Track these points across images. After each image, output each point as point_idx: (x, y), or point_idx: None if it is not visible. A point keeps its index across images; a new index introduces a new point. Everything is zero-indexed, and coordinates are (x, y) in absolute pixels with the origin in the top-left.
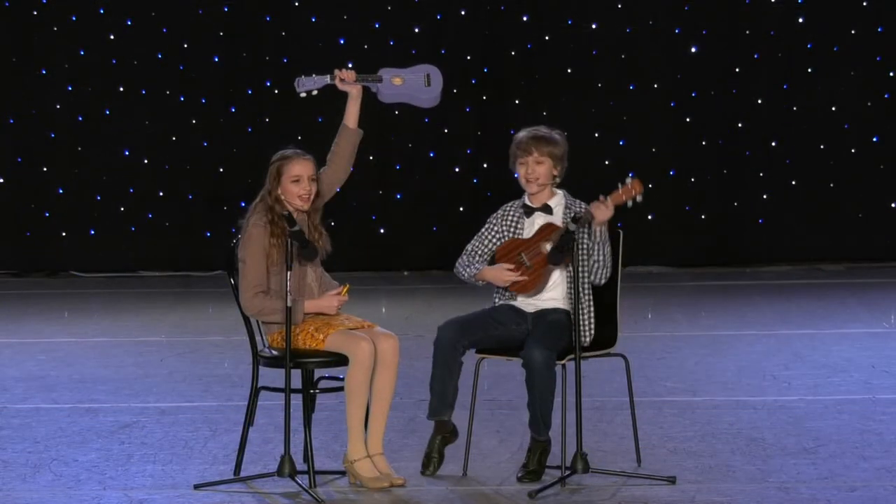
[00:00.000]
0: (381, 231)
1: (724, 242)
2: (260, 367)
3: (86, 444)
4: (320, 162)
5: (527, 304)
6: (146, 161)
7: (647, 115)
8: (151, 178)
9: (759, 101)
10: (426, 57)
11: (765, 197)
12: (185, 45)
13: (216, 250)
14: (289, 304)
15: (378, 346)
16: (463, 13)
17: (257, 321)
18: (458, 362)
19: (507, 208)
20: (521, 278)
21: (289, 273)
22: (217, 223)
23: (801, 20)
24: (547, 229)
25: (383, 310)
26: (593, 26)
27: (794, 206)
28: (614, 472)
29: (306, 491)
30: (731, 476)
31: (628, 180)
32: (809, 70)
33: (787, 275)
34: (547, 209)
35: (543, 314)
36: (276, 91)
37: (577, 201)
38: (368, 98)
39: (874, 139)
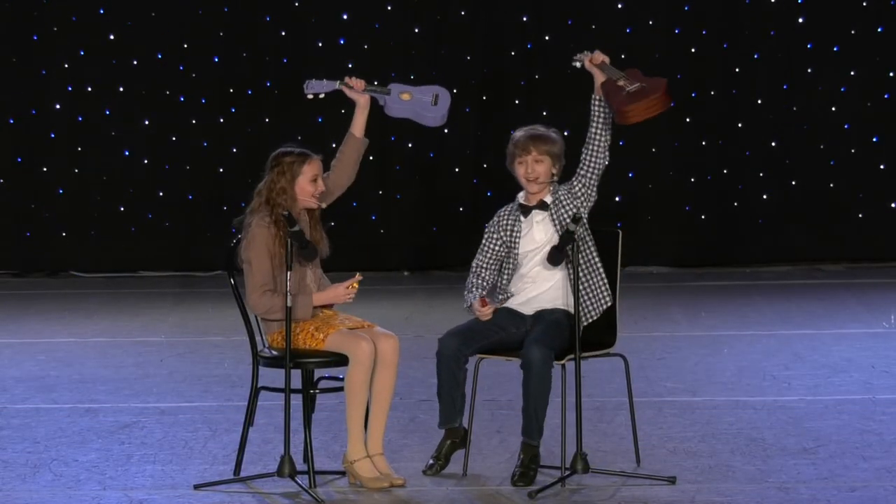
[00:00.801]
0: (381, 231)
1: (724, 243)
2: (260, 367)
3: (86, 445)
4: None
5: (525, 306)
6: (146, 161)
7: None
8: (151, 179)
9: (759, 102)
10: (426, 57)
11: (765, 197)
12: (185, 46)
13: (216, 250)
14: (289, 303)
15: (378, 346)
16: (463, 13)
17: (257, 321)
18: (463, 371)
19: (502, 213)
20: (488, 313)
21: (289, 273)
22: (217, 223)
23: (801, 20)
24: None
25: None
26: (593, 26)
27: (794, 207)
28: (614, 473)
29: (306, 491)
30: (730, 476)
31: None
32: (809, 70)
33: (787, 275)
34: (543, 206)
35: (541, 315)
36: (276, 91)
37: (560, 186)
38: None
39: (874, 139)
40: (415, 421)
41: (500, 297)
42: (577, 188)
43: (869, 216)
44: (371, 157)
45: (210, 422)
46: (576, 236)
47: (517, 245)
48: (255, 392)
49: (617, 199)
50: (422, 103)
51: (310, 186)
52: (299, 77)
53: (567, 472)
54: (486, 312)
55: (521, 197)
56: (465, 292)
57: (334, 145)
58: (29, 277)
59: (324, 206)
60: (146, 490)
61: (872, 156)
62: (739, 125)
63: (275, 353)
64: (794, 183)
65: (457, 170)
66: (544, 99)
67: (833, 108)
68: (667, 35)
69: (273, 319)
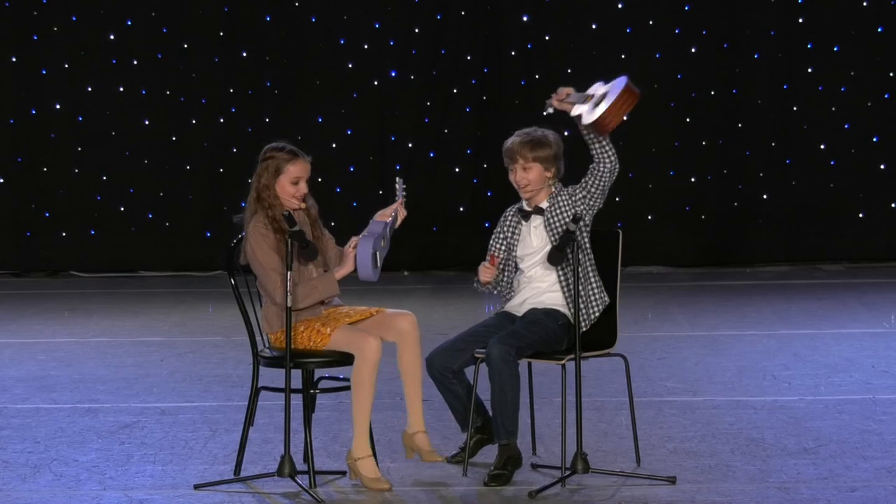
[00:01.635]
0: None
1: (724, 242)
2: (260, 367)
3: (86, 445)
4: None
5: (520, 307)
6: (146, 161)
7: (647, 115)
8: (151, 179)
9: (759, 102)
10: (426, 57)
11: (765, 197)
12: (185, 46)
13: (216, 250)
14: (288, 304)
15: (396, 327)
16: (463, 13)
17: (258, 321)
18: (460, 383)
19: (507, 213)
20: (490, 272)
21: (289, 273)
22: (217, 223)
23: (801, 20)
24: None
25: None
26: (593, 26)
27: (794, 206)
28: (614, 473)
29: (306, 491)
30: (731, 476)
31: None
32: (809, 70)
33: (787, 275)
34: (540, 211)
35: (527, 314)
36: (277, 91)
37: (565, 189)
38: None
39: (874, 139)
40: None
41: (502, 298)
42: (578, 195)
43: (869, 216)
44: (371, 157)
45: (210, 422)
46: (576, 236)
47: (515, 248)
48: (255, 392)
49: (617, 199)
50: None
51: (290, 187)
52: (299, 77)
53: (567, 472)
54: (488, 267)
55: (523, 201)
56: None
57: (334, 145)
58: (29, 277)
59: (303, 206)
60: (146, 490)
61: (872, 156)
62: (739, 125)
63: (275, 353)
64: (794, 183)
65: (457, 169)
66: (544, 99)
67: (833, 108)
68: (667, 35)
69: (303, 308)
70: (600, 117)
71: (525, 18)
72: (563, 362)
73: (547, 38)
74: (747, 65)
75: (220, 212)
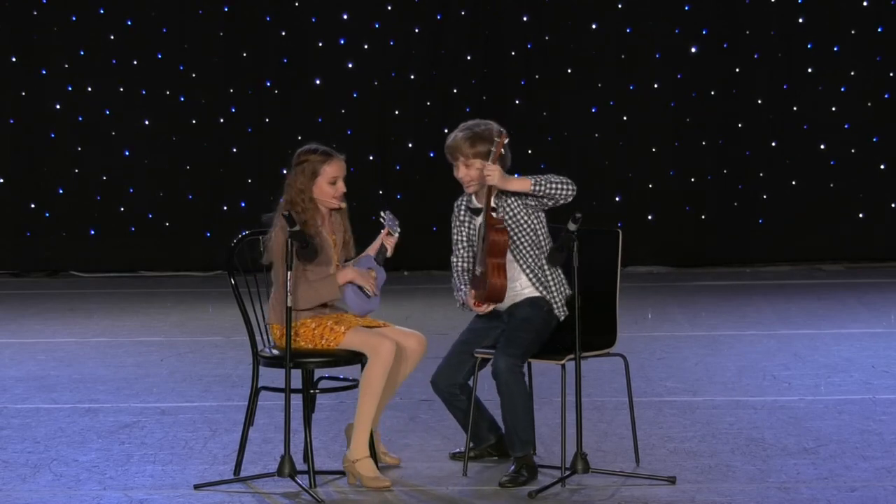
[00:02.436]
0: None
1: (724, 242)
2: (260, 367)
3: (86, 445)
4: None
5: (500, 304)
6: (146, 161)
7: (647, 115)
8: (151, 179)
9: (759, 102)
10: (426, 57)
11: (765, 197)
12: (186, 46)
13: (216, 250)
14: (288, 303)
15: (406, 342)
16: (463, 13)
17: (258, 321)
18: (466, 399)
19: (458, 204)
20: (485, 310)
21: (289, 273)
22: (217, 223)
23: (801, 20)
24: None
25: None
26: (593, 26)
27: (795, 206)
28: (614, 472)
29: (306, 491)
30: (731, 476)
31: (496, 140)
32: (810, 70)
33: (787, 275)
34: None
35: (513, 311)
36: (277, 91)
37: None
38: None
39: (874, 139)
40: (415, 420)
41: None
42: (530, 200)
43: (869, 216)
44: (371, 157)
45: (210, 422)
46: (575, 236)
47: (475, 244)
48: (255, 392)
49: (617, 198)
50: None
51: (328, 188)
52: (299, 77)
53: (567, 472)
54: (483, 310)
55: (472, 196)
56: (454, 292)
57: (335, 145)
58: (29, 277)
59: (342, 206)
60: (146, 490)
61: (872, 156)
62: (739, 125)
63: (276, 352)
64: (794, 183)
65: None
66: (544, 99)
67: (833, 108)
68: (667, 35)
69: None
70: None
71: (525, 18)
72: (562, 362)
73: (547, 38)
74: (747, 65)
75: (220, 212)
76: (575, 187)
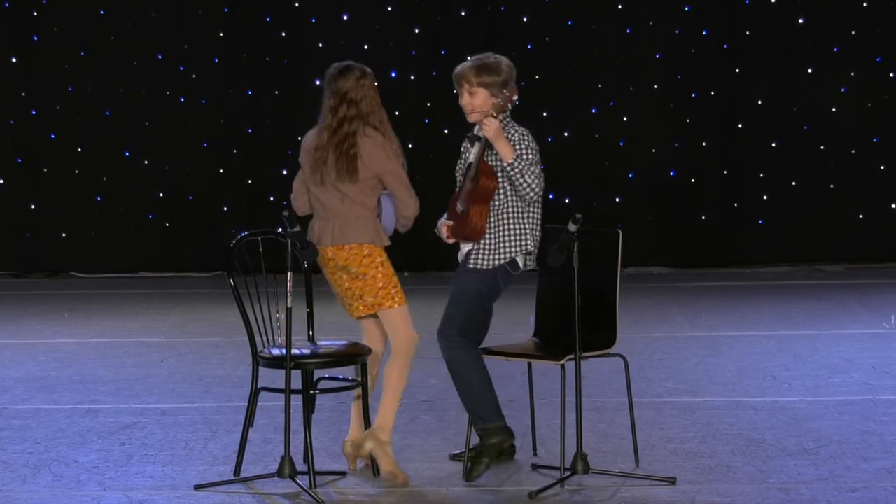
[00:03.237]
0: None
1: (724, 243)
2: (260, 367)
3: (86, 445)
4: None
5: (462, 257)
6: (146, 162)
7: (648, 115)
8: (152, 179)
9: (760, 102)
10: (426, 57)
11: (765, 198)
12: (186, 46)
13: (217, 251)
14: (289, 304)
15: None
16: (463, 13)
17: (257, 322)
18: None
19: (465, 137)
20: (451, 235)
21: (289, 274)
22: (217, 224)
23: (801, 20)
24: (468, 170)
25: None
26: (593, 27)
27: (795, 207)
28: (614, 473)
29: (306, 492)
30: (731, 477)
31: (505, 93)
32: (810, 71)
33: (788, 275)
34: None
35: (459, 273)
36: (277, 92)
37: (515, 126)
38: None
39: (874, 140)
40: (415, 421)
41: None
42: (506, 166)
43: (869, 217)
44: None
45: (210, 422)
46: (574, 235)
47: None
48: (255, 393)
49: (617, 199)
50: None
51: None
52: (299, 78)
53: (567, 473)
54: (451, 241)
55: (476, 126)
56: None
57: None
58: (29, 278)
59: None
60: (146, 491)
61: (872, 156)
62: (740, 126)
63: (276, 353)
64: (794, 183)
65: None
66: (544, 99)
67: (833, 109)
68: (667, 35)
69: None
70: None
71: (525, 19)
72: (562, 362)
73: (547, 38)
74: (747, 65)
75: (221, 212)
76: (538, 195)
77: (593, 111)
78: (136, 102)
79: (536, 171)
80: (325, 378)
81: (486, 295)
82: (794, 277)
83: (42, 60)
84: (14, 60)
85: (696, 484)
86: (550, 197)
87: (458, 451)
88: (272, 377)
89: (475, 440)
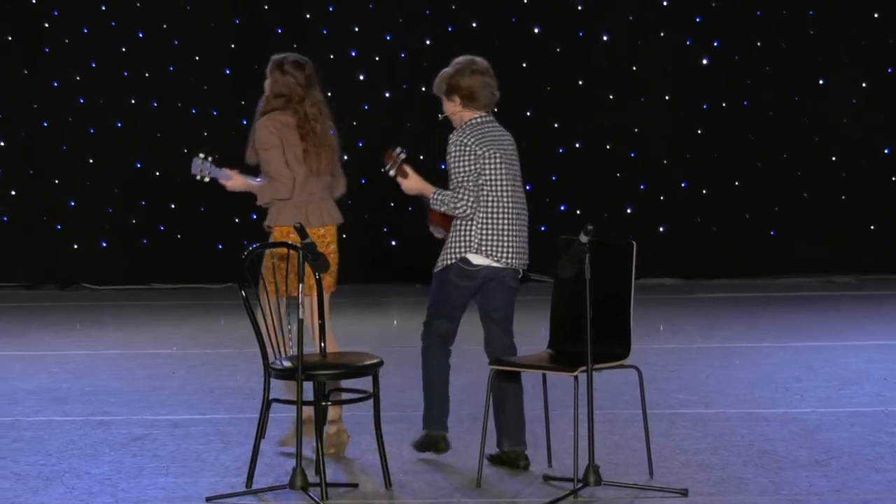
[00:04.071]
0: (393, 243)
1: (735, 254)
2: (272, 379)
3: (98, 457)
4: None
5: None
6: (157, 174)
7: (658, 126)
8: (163, 191)
9: (770, 113)
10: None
11: (776, 209)
12: (197, 58)
13: (228, 262)
14: (300, 315)
15: None
16: (474, 25)
17: (268, 334)
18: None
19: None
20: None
21: (301, 286)
22: (228, 236)
23: (811, 32)
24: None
25: (395, 322)
26: (604, 38)
27: (806, 218)
28: (627, 485)
29: None
30: (743, 488)
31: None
32: (820, 82)
33: (799, 286)
34: None
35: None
36: None
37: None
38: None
39: (885, 151)
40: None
41: None
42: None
43: (880, 228)
44: (382, 170)
45: (222, 434)
46: (585, 247)
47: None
48: (266, 404)
49: (629, 210)
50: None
51: None
52: None
53: (579, 485)
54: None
55: None
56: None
57: (346, 157)
58: (40, 290)
59: None
60: (158, 502)
61: (884, 168)
62: (750, 137)
63: (286, 364)
64: (805, 195)
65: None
66: (554, 110)
67: (844, 120)
68: (678, 46)
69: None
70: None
71: (536, 30)
72: (575, 374)
73: (558, 49)
74: (758, 77)
75: (232, 224)
76: (464, 212)
77: (604, 123)
78: (147, 114)
79: (453, 195)
80: (336, 389)
81: (440, 295)
82: (806, 288)
83: (54, 73)
84: (26, 73)
85: (709, 496)
86: (562, 208)
87: (490, 454)
88: (284, 388)
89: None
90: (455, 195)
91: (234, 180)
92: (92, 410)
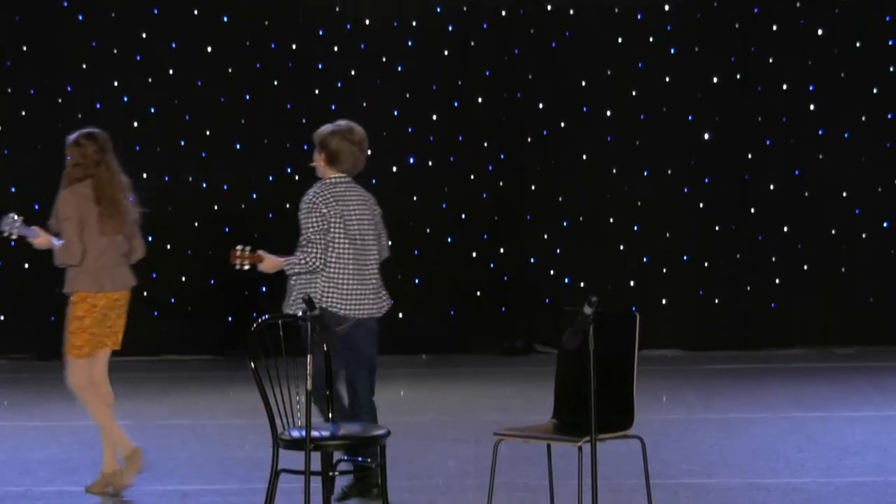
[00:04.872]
0: (400, 315)
1: (737, 326)
2: (280, 449)
3: None
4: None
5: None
6: (168, 247)
7: (661, 200)
8: (174, 263)
9: (772, 187)
10: (444, 143)
11: (777, 281)
12: (207, 133)
13: (238, 334)
14: (308, 386)
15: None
16: (480, 100)
17: (277, 404)
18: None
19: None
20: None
21: (309, 357)
22: (238, 307)
23: (812, 107)
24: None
25: (402, 392)
26: (608, 113)
27: (807, 291)
28: None
29: None
30: None
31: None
32: (821, 156)
33: (800, 358)
34: None
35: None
36: (297, 178)
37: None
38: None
39: (884, 224)
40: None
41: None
42: None
43: (880, 300)
44: (390, 242)
45: None
46: (589, 318)
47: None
48: (275, 474)
49: (632, 283)
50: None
51: None
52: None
53: None
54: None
55: None
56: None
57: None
58: (50, 360)
59: None
60: None
61: (883, 241)
62: (752, 210)
63: (294, 434)
64: (805, 267)
65: (474, 255)
66: (561, 183)
67: (844, 194)
68: (680, 122)
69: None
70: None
71: (541, 106)
72: (579, 444)
73: (562, 124)
74: (759, 151)
75: (241, 296)
76: (315, 266)
77: (608, 196)
78: (160, 189)
79: (303, 254)
80: (343, 460)
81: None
82: (807, 360)
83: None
84: (39, 145)
85: None
86: (566, 280)
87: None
88: (293, 459)
89: None
90: (304, 253)
91: (41, 238)
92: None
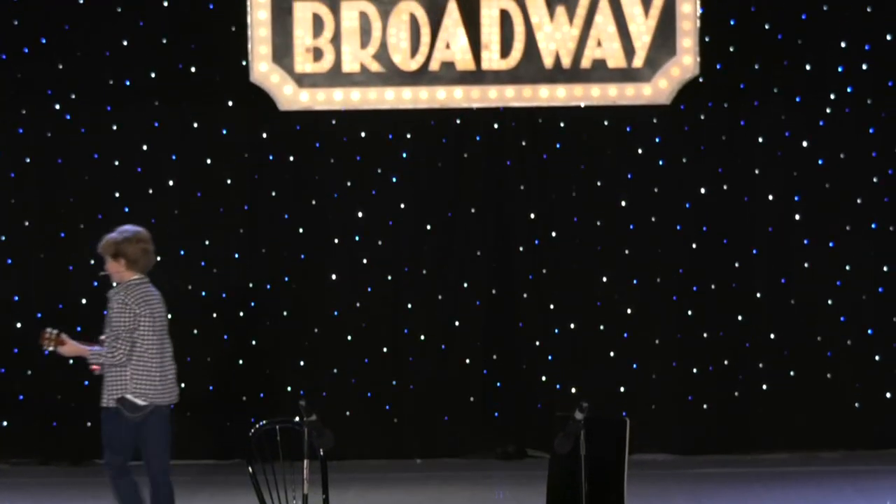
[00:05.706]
0: (395, 420)
1: (724, 431)
2: None
3: None
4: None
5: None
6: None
7: (650, 307)
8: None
9: (758, 295)
10: (437, 252)
11: (764, 387)
12: (207, 242)
13: (235, 440)
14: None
15: None
16: (473, 210)
17: None
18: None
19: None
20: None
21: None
22: (238, 414)
23: (797, 217)
24: None
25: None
26: (598, 223)
27: (793, 396)
28: None
29: None
30: None
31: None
32: (806, 265)
33: (786, 462)
34: None
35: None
36: (294, 286)
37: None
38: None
39: (869, 331)
40: None
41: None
42: None
43: (865, 405)
44: (385, 349)
45: None
46: (580, 423)
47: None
48: None
49: (622, 388)
50: None
51: None
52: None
53: None
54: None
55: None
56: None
57: (349, 337)
58: (54, 465)
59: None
60: None
61: (868, 347)
62: (739, 318)
63: None
64: (792, 374)
65: (468, 361)
66: (551, 292)
67: (829, 302)
68: (668, 231)
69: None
70: None
71: (532, 216)
72: None
73: (554, 234)
74: (746, 259)
75: (239, 402)
76: (119, 361)
77: (598, 304)
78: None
79: (109, 349)
80: None
81: (110, 432)
82: (792, 464)
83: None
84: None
85: None
86: (557, 386)
87: None
88: None
89: None
90: (111, 349)
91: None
92: None
